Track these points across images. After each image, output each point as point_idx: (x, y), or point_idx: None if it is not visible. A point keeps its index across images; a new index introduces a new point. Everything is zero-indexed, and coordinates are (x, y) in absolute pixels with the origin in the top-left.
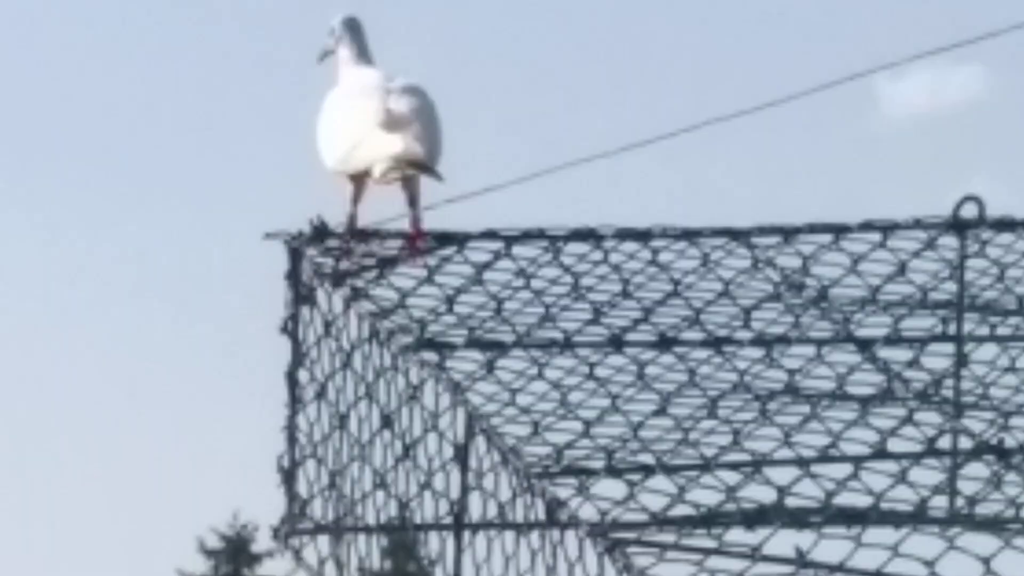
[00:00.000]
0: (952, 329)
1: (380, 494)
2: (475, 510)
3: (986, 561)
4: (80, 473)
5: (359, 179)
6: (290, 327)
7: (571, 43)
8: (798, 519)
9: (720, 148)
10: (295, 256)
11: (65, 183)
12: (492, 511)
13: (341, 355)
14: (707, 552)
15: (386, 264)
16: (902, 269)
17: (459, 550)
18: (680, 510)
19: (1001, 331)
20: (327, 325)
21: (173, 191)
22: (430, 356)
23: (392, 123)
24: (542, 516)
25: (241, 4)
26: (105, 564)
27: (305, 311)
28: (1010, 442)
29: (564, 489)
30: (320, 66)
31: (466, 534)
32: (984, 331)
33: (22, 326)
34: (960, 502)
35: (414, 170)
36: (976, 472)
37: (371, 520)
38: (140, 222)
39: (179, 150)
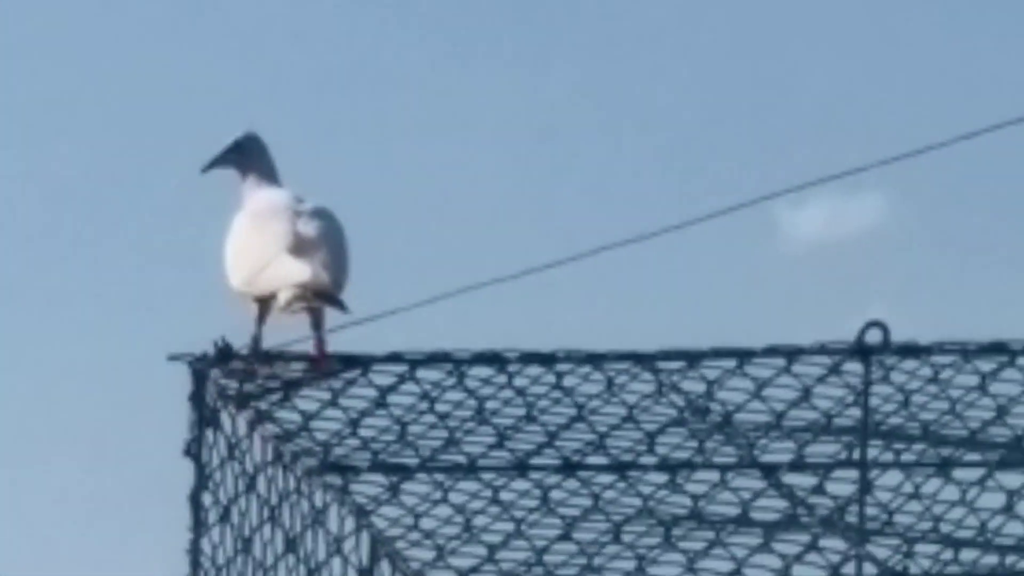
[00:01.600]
0: (856, 455)
1: None
2: None
3: None
4: None
5: (264, 301)
6: (194, 449)
7: (476, 164)
8: None
9: (623, 272)
10: (199, 378)
11: None
12: None
13: (245, 478)
14: None
15: (291, 387)
16: (806, 394)
17: None
18: None
19: (905, 457)
20: (231, 448)
21: (68, 308)
22: (334, 479)
23: (300, 248)
24: None
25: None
26: None
27: (209, 433)
28: (914, 569)
29: None
30: (209, 179)
31: None
32: (888, 457)
33: None
34: None
35: (320, 301)
36: None
37: None
38: (30, 338)
39: (74, 266)
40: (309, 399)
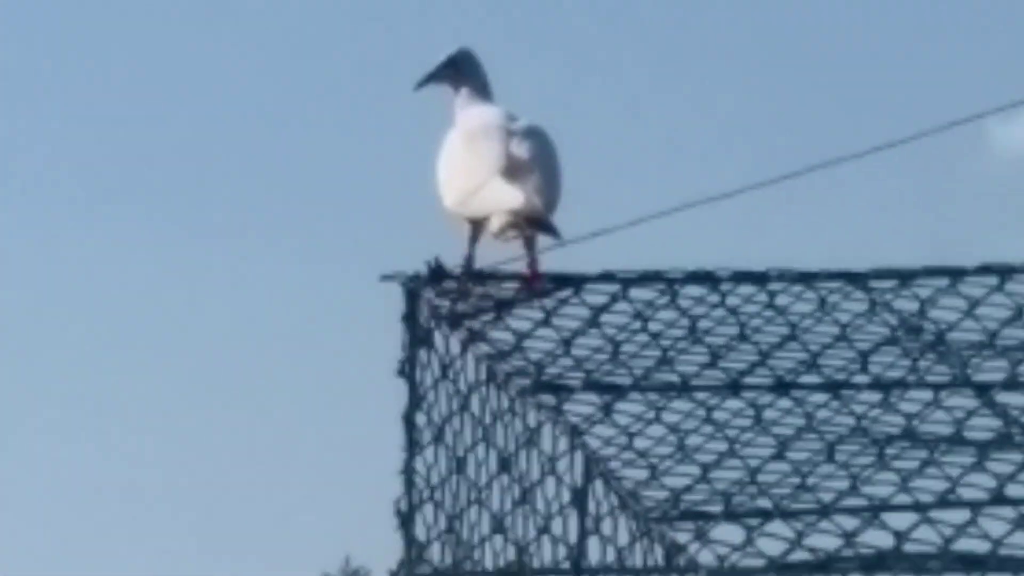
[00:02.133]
0: None
1: (498, 538)
2: (593, 555)
3: None
4: (195, 514)
5: (477, 222)
6: (407, 370)
7: (687, 85)
8: (917, 565)
9: (835, 191)
10: (412, 298)
11: (182, 227)
12: (611, 556)
13: (458, 398)
14: None
15: (503, 306)
16: (1020, 313)
17: None
18: (798, 555)
19: None
20: (444, 368)
21: (283, 231)
22: (547, 399)
23: (513, 171)
24: (661, 561)
25: (345, 47)
26: None
27: (422, 353)
28: None
29: (682, 534)
30: (423, 95)
31: None
32: None
33: (140, 366)
34: None
35: (532, 227)
36: None
37: (489, 565)
38: (248, 261)
39: (289, 189)
40: (522, 319)
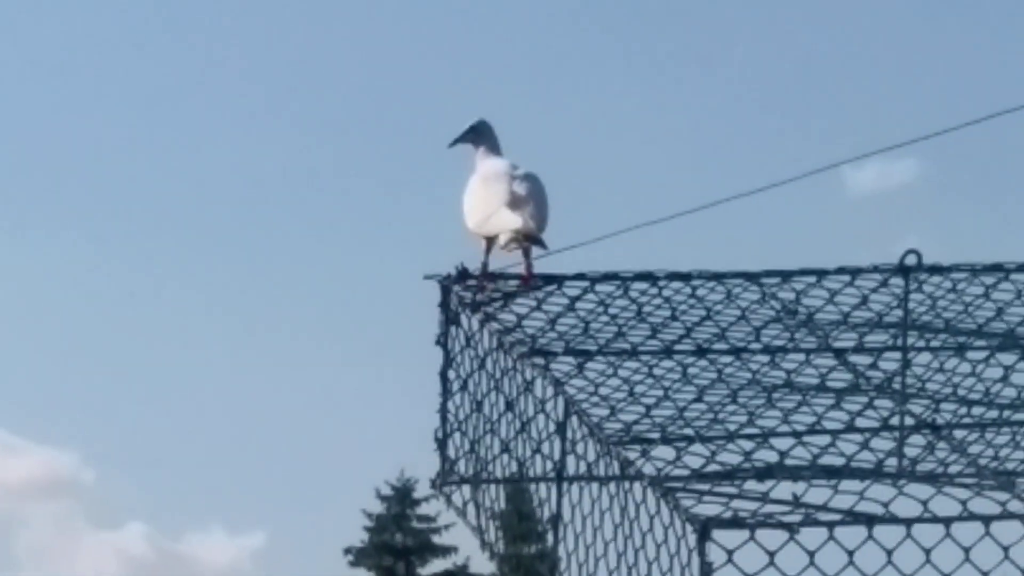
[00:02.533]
0: (899, 342)
1: (505, 457)
2: (571, 467)
3: (924, 503)
4: (300, 439)
5: (490, 239)
6: (442, 341)
7: (636, 140)
8: (794, 474)
9: (737, 218)
10: (445, 291)
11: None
12: (582, 468)
13: (477, 360)
14: (731, 496)
15: (508, 297)
16: (865, 300)
17: (560, 495)
18: (712, 467)
19: (933, 344)
20: (468, 339)
21: (367, 247)
22: (538, 361)
23: (514, 204)
24: (617, 471)
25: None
26: (309, 504)
27: (453, 329)
28: (940, 420)
29: (632, 452)
30: (451, 152)
31: (565, 485)
32: (921, 344)
33: (250, 329)
34: (906, 462)
35: (528, 242)
36: (916, 442)
37: (499, 474)
38: (340, 269)
39: (373, 219)
40: (521, 305)
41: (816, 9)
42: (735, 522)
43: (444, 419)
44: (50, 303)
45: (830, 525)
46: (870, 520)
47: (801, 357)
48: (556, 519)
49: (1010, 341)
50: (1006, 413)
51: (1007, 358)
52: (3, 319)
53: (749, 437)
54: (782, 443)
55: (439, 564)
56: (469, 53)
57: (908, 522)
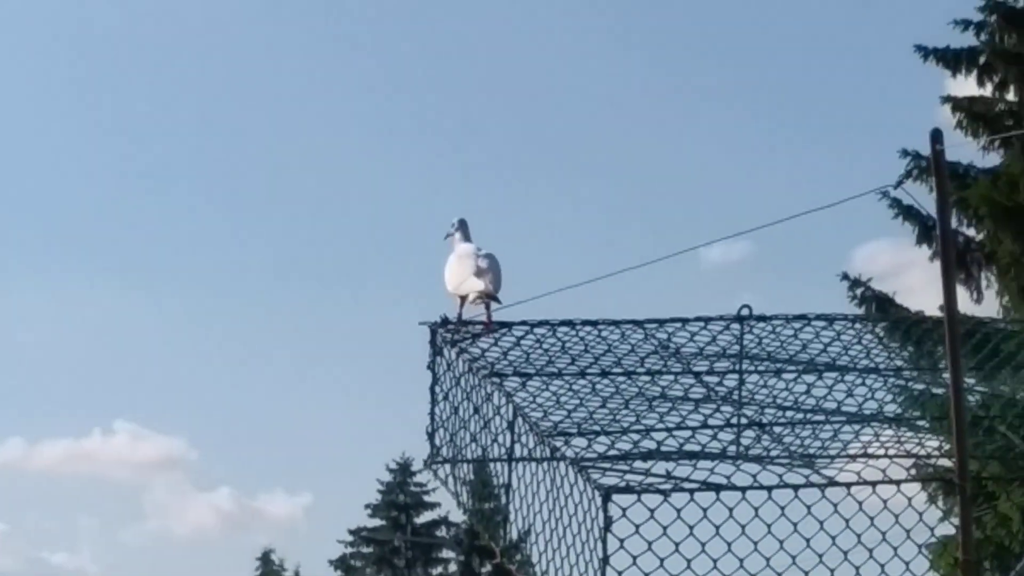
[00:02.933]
0: (737, 367)
1: (473, 444)
2: (517, 452)
3: (754, 476)
4: (338, 432)
5: (463, 297)
6: (431, 366)
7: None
8: (666, 457)
9: (625, 286)
10: (433, 333)
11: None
12: (525, 452)
13: (454, 379)
14: (624, 471)
15: (475, 337)
16: (714, 339)
17: (510, 471)
18: (612, 452)
19: (760, 368)
20: (448, 365)
21: (387, 304)
22: (496, 380)
23: (479, 273)
24: (548, 455)
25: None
26: (342, 474)
27: (438, 359)
28: (764, 420)
29: (558, 442)
30: (444, 240)
31: (513, 464)
32: (752, 368)
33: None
34: (741, 449)
35: (488, 299)
36: (748, 435)
37: (469, 456)
38: (371, 320)
39: (389, 281)
40: (484, 342)
41: (675, 122)
42: (627, 489)
43: (432, 419)
44: (161, 339)
45: (691, 491)
46: (718, 488)
47: (671, 377)
48: (507, 487)
49: (811, 367)
50: (808, 415)
51: (809, 378)
52: (131, 340)
53: (637, 431)
54: (659, 436)
55: (428, 515)
56: (448, 168)
57: (743, 489)
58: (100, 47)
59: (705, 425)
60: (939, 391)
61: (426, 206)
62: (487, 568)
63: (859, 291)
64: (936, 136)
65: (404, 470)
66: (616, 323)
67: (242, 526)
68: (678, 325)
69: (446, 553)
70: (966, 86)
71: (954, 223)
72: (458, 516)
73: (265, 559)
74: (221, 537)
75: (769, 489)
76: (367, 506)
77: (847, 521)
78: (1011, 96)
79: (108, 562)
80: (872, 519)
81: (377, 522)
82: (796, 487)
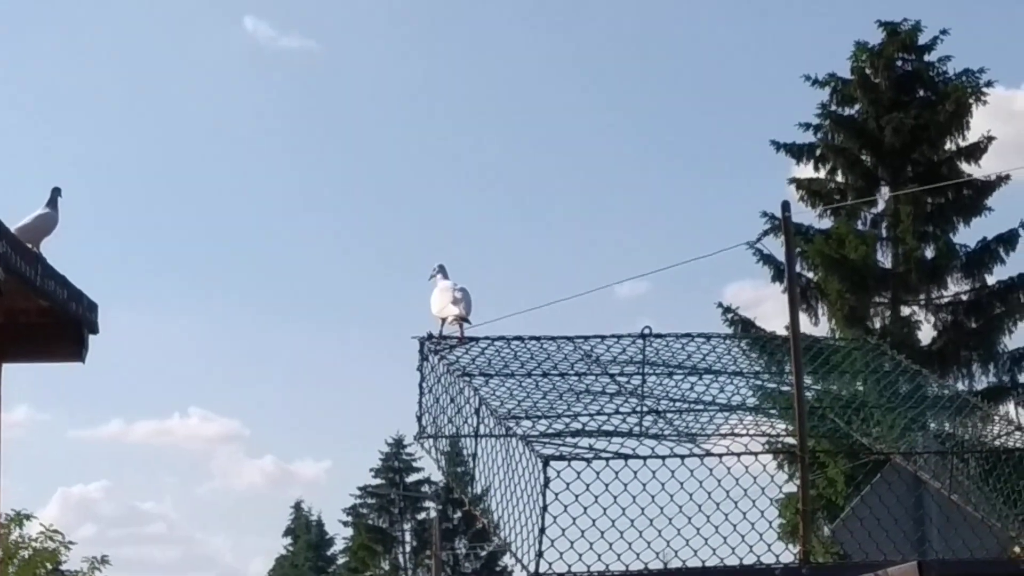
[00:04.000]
0: (641, 371)
1: (449, 425)
2: (482, 430)
3: (652, 449)
4: (353, 415)
5: (444, 319)
6: (420, 368)
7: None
8: (590, 435)
9: (561, 313)
10: (421, 344)
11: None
12: (487, 430)
13: (436, 378)
14: (559, 445)
15: (452, 348)
16: (624, 350)
17: (476, 444)
18: (551, 431)
19: (658, 372)
20: (432, 367)
21: (385, 324)
22: (466, 378)
23: (455, 302)
24: (504, 432)
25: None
26: (353, 446)
27: (424, 363)
28: (661, 408)
29: (511, 423)
30: (428, 280)
31: (479, 439)
32: (651, 372)
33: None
34: (644, 429)
35: (462, 320)
36: (649, 420)
37: (447, 433)
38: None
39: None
40: (458, 351)
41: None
42: (561, 457)
43: (420, 406)
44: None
45: (607, 459)
46: (626, 457)
47: (593, 377)
48: (474, 455)
49: (694, 370)
50: (692, 405)
51: (692, 379)
52: (199, 348)
53: (568, 416)
54: (584, 420)
55: (415, 476)
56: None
57: (644, 458)
58: None
59: (617, 412)
60: (786, 388)
61: (419, 257)
62: (458, 514)
63: (729, 316)
64: (785, 206)
65: (398, 443)
66: (553, 338)
67: (281, 484)
68: (598, 340)
69: (428, 504)
70: (807, 170)
71: (798, 268)
72: (438, 477)
73: (297, 508)
74: (266, 492)
75: (663, 458)
76: (371, 469)
77: (719, 481)
78: (839, 178)
79: (184, 510)
80: (737, 480)
81: (379, 481)
82: (682, 456)
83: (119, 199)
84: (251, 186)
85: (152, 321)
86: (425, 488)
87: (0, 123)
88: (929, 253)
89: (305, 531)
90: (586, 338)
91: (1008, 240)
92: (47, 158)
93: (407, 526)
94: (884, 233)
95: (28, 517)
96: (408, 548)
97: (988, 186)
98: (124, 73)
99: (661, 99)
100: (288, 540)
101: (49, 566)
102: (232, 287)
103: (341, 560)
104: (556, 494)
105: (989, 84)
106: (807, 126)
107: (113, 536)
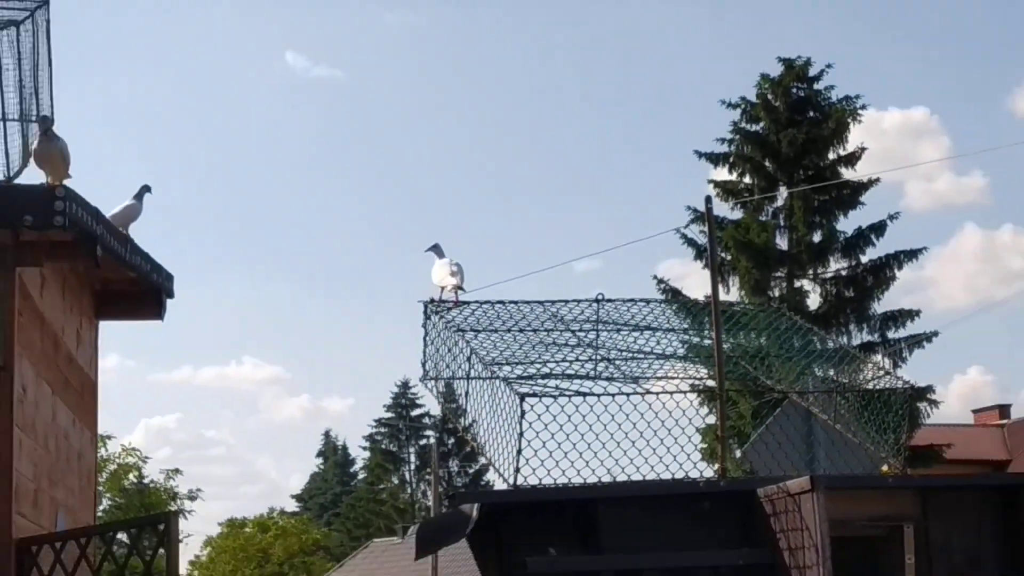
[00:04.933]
0: (596, 328)
1: (447, 370)
2: (472, 374)
3: (604, 388)
4: (372, 363)
5: (443, 287)
6: (424, 325)
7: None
8: (556, 378)
9: (537, 282)
10: (425, 306)
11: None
12: (476, 374)
13: (436, 332)
14: (532, 385)
15: (448, 309)
16: (583, 312)
17: (468, 384)
18: (527, 374)
19: (609, 329)
20: (433, 324)
21: (392, 288)
22: (460, 333)
23: (451, 274)
24: (489, 375)
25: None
26: (372, 386)
27: (427, 321)
28: (611, 357)
29: (495, 368)
30: (424, 252)
31: (469, 381)
32: (604, 329)
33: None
34: (599, 372)
35: (457, 289)
36: (603, 366)
37: (445, 376)
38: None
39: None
40: (454, 312)
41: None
42: (534, 395)
43: (424, 354)
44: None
45: (570, 396)
46: (585, 395)
47: (558, 333)
48: (466, 393)
49: (636, 328)
50: (636, 355)
51: (636, 334)
52: (249, 311)
53: (539, 363)
54: (552, 366)
55: (418, 410)
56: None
57: (599, 395)
58: None
59: (577, 360)
60: (707, 342)
61: (423, 239)
62: (452, 440)
63: (663, 286)
64: (707, 200)
65: (405, 385)
66: (528, 302)
67: (314, 417)
68: (562, 303)
69: (428, 432)
70: (722, 173)
71: (717, 250)
72: (437, 411)
73: (327, 435)
74: (303, 423)
75: (613, 395)
76: (384, 405)
77: (656, 414)
78: (747, 180)
79: (239, 437)
80: (670, 412)
81: (390, 414)
82: (628, 394)
83: (191, 199)
84: (291, 184)
85: (215, 290)
86: (426, 420)
87: (94, 136)
88: (816, 238)
89: (333, 453)
90: (553, 302)
91: (878, 228)
92: (126, 162)
93: (412, 450)
94: (781, 222)
95: (109, 438)
96: (412, 467)
97: (862, 186)
98: (188, 99)
99: (613, 117)
100: (320, 460)
101: (132, 477)
102: (276, 265)
103: (361, 476)
104: (530, 423)
105: (863, 107)
106: (722, 140)
107: (184, 457)
